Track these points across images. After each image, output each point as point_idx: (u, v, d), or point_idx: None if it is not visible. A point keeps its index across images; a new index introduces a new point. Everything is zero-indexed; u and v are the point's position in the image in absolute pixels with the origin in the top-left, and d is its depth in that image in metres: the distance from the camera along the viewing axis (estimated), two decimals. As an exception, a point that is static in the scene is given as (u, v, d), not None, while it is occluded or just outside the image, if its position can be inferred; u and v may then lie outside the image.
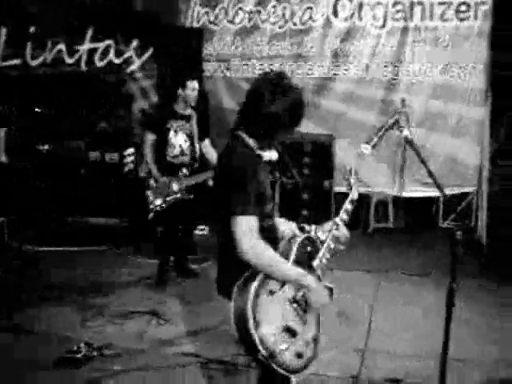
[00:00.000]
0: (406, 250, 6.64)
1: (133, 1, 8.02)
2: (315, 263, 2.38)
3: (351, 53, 7.59)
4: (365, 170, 7.36)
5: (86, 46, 7.57)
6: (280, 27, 7.76)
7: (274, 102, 2.20)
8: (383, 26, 7.50)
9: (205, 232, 7.06)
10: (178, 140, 5.27)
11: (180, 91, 5.23)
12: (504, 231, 6.88)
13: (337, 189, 7.16)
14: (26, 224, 6.71)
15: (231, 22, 7.92)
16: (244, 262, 2.16)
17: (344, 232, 2.50)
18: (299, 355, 2.21)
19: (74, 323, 4.42)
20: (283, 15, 7.74)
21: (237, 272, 2.19)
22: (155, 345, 4.11)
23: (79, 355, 3.79)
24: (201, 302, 4.85)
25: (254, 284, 2.12)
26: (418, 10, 7.40)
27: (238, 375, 3.65)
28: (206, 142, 5.46)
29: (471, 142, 7.43)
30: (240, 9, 7.89)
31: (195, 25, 8.04)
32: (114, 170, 6.96)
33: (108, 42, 7.56)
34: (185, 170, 5.21)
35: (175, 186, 5.18)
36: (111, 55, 7.58)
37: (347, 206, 2.59)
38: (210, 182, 5.12)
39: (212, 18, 7.99)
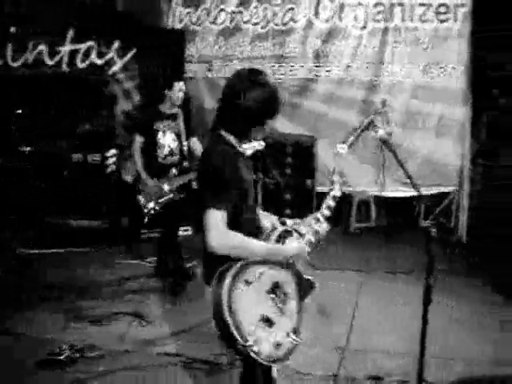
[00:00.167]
0: (388, 249, 6.70)
1: (115, 2, 8.01)
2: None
3: (332, 53, 7.63)
4: (347, 170, 7.41)
5: (68, 47, 7.54)
6: (262, 28, 7.79)
7: (247, 97, 2.26)
8: (364, 26, 7.56)
9: (189, 232, 7.07)
10: (167, 140, 5.27)
11: (167, 92, 5.24)
12: (485, 230, 6.96)
13: (319, 188, 7.23)
14: (8, 226, 6.66)
15: (213, 22, 7.93)
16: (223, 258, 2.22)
17: (324, 227, 2.55)
18: (278, 345, 2.25)
19: (57, 325, 4.41)
20: (265, 16, 7.77)
21: (217, 263, 2.24)
22: (138, 345, 4.12)
23: (62, 357, 3.79)
24: (184, 302, 4.88)
25: (230, 274, 2.16)
26: (398, 11, 7.46)
27: (221, 374, 3.68)
28: (194, 139, 5.47)
29: (452, 141, 7.51)
30: (222, 10, 7.91)
31: (177, 26, 8.05)
32: (97, 171, 6.94)
33: (89, 43, 7.52)
34: (174, 170, 5.20)
35: (166, 187, 5.17)
36: (93, 56, 7.55)
37: (329, 202, 2.63)
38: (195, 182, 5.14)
39: (194, 19, 8.00)
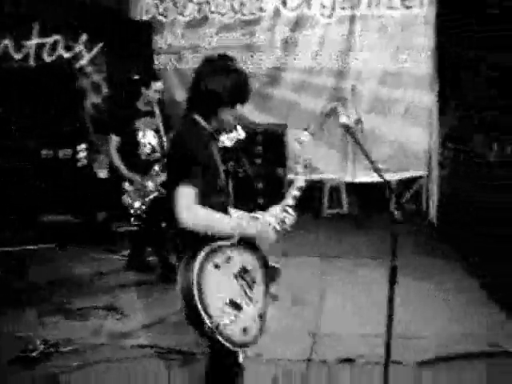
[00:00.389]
0: (359, 235, 6.78)
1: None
2: None
3: (301, 42, 7.67)
4: (317, 157, 7.51)
5: (34, 41, 7.44)
6: (230, 18, 7.78)
7: (216, 80, 2.32)
8: (331, 14, 7.60)
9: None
10: (148, 138, 5.19)
11: (143, 90, 5.16)
12: (454, 213, 7.09)
13: (291, 176, 7.28)
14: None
15: (181, 13, 7.90)
16: (190, 237, 2.26)
17: (290, 217, 2.59)
18: (245, 330, 2.26)
19: (30, 321, 4.39)
20: (232, 6, 7.76)
21: (185, 248, 2.29)
22: (113, 338, 4.12)
23: (35, 353, 3.78)
24: (157, 294, 4.89)
25: (200, 256, 2.18)
26: (364, -3, 7.53)
27: (196, 364, 3.71)
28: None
29: (421, 127, 7.61)
30: (189, 0, 7.88)
31: (145, 17, 8.00)
32: (67, 166, 6.89)
33: (56, 36, 7.44)
34: (157, 167, 5.13)
35: (151, 184, 5.11)
36: (60, 50, 7.47)
37: (294, 192, 2.66)
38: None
39: (162, 10, 7.96)
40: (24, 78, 7.22)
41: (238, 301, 2.27)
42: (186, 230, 2.25)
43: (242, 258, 2.36)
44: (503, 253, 5.45)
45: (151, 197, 5.12)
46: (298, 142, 2.55)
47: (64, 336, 4.07)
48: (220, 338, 2.15)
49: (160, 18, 7.95)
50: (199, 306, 2.11)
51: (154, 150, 5.21)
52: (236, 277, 2.30)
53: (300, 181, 2.69)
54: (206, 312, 2.12)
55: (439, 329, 4.18)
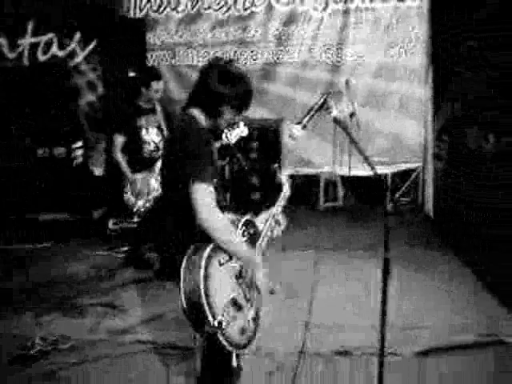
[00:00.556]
0: (354, 227, 6.79)
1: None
2: (256, 247, 2.50)
3: (295, 36, 7.68)
4: (313, 150, 7.54)
5: (28, 39, 7.44)
6: (223, 13, 7.77)
7: (226, 85, 2.36)
8: (325, 8, 7.61)
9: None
10: (151, 136, 5.17)
11: (143, 90, 5.14)
12: (450, 205, 7.10)
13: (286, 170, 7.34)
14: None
15: (174, 9, 7.89)
16: (192, 236, 2.24)
17: (280, 226, 2.62)
18: (243, 331, 2.26)
19: (28, 319, 4.40)
20: (226, 1, 7.75)
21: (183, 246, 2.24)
22: (111, 335, 4.13)
23: (34, 351, 3.79)
24: (154, 290, 4.90)
25: (206, 252, 2.15)
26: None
27: (193, 359, 3.72)
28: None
29: (415, 119, 7.66)
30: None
31: (138, 14, 7.99)
32: (63, 164, 6.90)
33: (50, 35, 7.44)
34: (159, 165, 5.10)
35: (154, 183, 5.11)
36: (54, 48, 7.47)
37: (282, 202, 2.70)
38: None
39: (155, 7, 7.95)
40: (18, 77, 7.23)
41: (239, 300, 2.27)
42: (190, 225, 2.23)
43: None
44: (499, 244, 5.47)
45: (154, 195, 5.11)
46: (290, 136, 2.56)
47: (62, 333, 4.08)
48: (220, 337, 2.13)
49: (153, 14, 7.93)
50: (204, 303, 2.08)
51: (157, 148, 5.19)
52: (237, 276, 2.30)
53: (287, 190, 2.71)
54: (211, 309, 2.09)
55: (435, 320, 4.20)
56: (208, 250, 2.17)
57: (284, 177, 2.74)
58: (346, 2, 7.53)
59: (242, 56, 7.77)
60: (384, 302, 2.49)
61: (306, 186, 7.83)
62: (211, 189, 2.22)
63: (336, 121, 2.54)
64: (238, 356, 2.44)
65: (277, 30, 7.70)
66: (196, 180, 2.20)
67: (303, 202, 7.67)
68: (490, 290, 4.71)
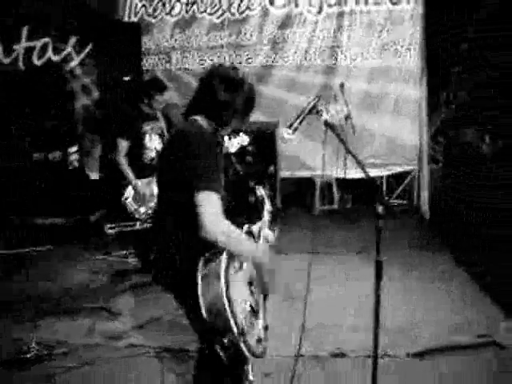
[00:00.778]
0: (350, 230, 6.80)
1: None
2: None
3: (289, 40, 7.70)
4: (308, 154, 7.55)
5: (23, 44, 7.45)
6: (218, 17, 7.79)
7: (233, 93, 2.33)
8: (319, 11, 7.63)
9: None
10: (154, 143, 5.15)
11: (146, 100, 5.10)
12: (446, 207, 7.14)
13: (281, 174, 7.34)
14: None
15: (169, 14, 7.91)
16: (196, 244, 2.18)
17: (271, 238, 2.63)
18: (259, 340, 2.22)
19: (24, 323, 4.40)
20: (220, 5, 7.77)
21: (189, 256, 2.21)
22: (107, 339, 4.14)
23: (29, 355, 3.79)
24: (151, 294, 4.91)
25: (223, 261, 2.10)
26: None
27: (189, 362, 3.73)
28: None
29: (410, 121, 7.67)
30: (177, 0, 7.89)
31: (133, 18, 8.01)
32: (58, 168, 6.91)
33: (45, 39, 7.45)
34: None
35: (156, 189, 5.08)
36: (49, 53, 7.48)
37: (267, 217, 2.69)
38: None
39: (150, 11, 7.96)
40: (14, 81, 7.24)
41: (255, 307, 2.23)
42: (198, 236, 2.14)
43: (249, 265, 2.32)
44: (495, 245, 5.50)
45: (155, 201, 5.09)
46: (281, 139, 2.58)
47: (58, 337, 4.09)
48: (242, 347, 2.07)
49: (148, 18, 7.95)
50: (228, 313, 2.01)
51: (158, 154, 5.18)
52: (249, 284, 2.27)
53: (268, 205, 2.72)
54: (234, 319, 2.03)
55: (431, 321, 4.21)
56: (224, 259, 2.11)
57: (263, 192, 2.75)
58: (340, 5, 7.55)
59: (238, 59, 7.78)
60: (377, 303, 2.51)
61: (301, 189, 7.85)
62: (218, 196, 2.14)
63: (327, 124, 2.55)
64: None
65: (272, 33, 7.72)
66: (204, 188, 2.13)
67: (299, 205, 7.68)
68: (485, 291, 4.73)
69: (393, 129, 7.66)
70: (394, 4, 7.48)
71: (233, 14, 7.76)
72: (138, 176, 5.09)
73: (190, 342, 3.87)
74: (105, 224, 6.65)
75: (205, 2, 7.79)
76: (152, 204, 5.08)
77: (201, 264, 2.14)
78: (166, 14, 7.89)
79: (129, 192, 5.12)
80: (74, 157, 7.18)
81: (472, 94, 7.78)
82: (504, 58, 6.53)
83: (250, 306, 2.20)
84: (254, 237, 2.52)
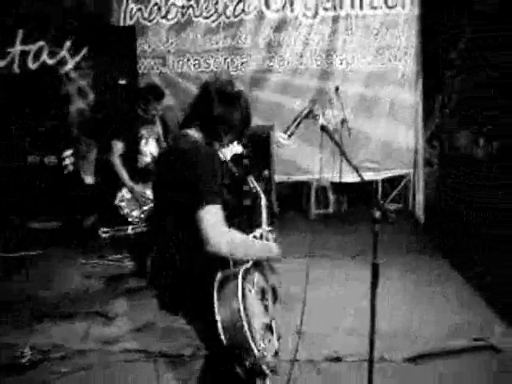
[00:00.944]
0: (345, 234, 6.80)
1: (65, 1, 7.91)
2: None
3: (285, 43, 7.71)
4: (304, 157, 7.55)
5: (18, 48, 7.43)
6: (213, 21, 7.79)
7: (230, 110, 2.33)
8: (315, 15, 7.64)
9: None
10: (150, 148, 5.14)
11: (142, 105, 5.10)
12: (441, 211, 7.15)
13: (276, 177, 7.34)
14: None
15: (165, 17, 7.90)
16: (204, 265, 2.16)
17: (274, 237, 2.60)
18: (276, 353, 2.20)
19: (18, 328, 4.38)
20: (216, 9, 7.77)
21: (199, 279, 2.17)
22: (102, 344, 4.12)
23: (24, 360, 3.78)
24: (146, 298, 4.89)
25: (239, 281, 2.06)
26: (347, -2, 7.59)
27: (185, 366, 3.72)
28: None
29: (406, 125, 7.69)
30: (173, 4, 7.88)
31: (128, 22, 8.00)
32: (53, 172, 6.89)
33: (40, 43, 7.44)
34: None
35: (149, 194, 5.03)
36: (44, 56, 7.46)
37: (264, 211, 2.67)
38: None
39: (145, 15, 7.95)
40: (8, 85, 7.22)
41: (270, 323, 2.21)
42: (206, 252, 2.09)
43: (259, 279, 2.31)
44: (490, 250, 5.51)
45: (149, 207, 5.09)
46: (277, 144, 2.58)
47: (53, 342, 4.07)
48: (264, 366, 2.05)
49: (144, 22, 7.94)
50: (249, 338, 1.99)
51: (154, 160, 5.17)
52: (261, 299, 2.25)
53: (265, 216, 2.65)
54: (255, 341, 2.01)
55: (426, 325, 4.22)
56: (240, 277, 2.08)
57: (256, 184, 2.77)
58: (335, 9, 7.56)
59: (233, 63, 7.79)
60: (373, 307, 2.51)
61: (297, 193, 7.85)
62: (220, 208, 2.11)
63: (323, 128, 2.55)
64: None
65: (267, 36, 7.72)
66: (206, 202, 2.09)
67: (294, 209, 7.68)
68: (480, 295, 4.74)
69: (388, 132, 7.68)
70: (389, 8, 7.50)
71: (228, 18, 7.76)
72: (133, 180, 5.07)
73: (185, 346, 3.89)
74: (99, 228, 6.64)
75: (200, 6, 7.79)
76: (146, 208, 5.07)
77: (216, 285, 2.10)
78: (162, 17, 7.88)
79: (123, 195, 5.10)
80: (69, 160, 7.15)
81: (466, 95, 7.77)
82: (503, 58, 6.54)
83: (265, 323, 2.18)
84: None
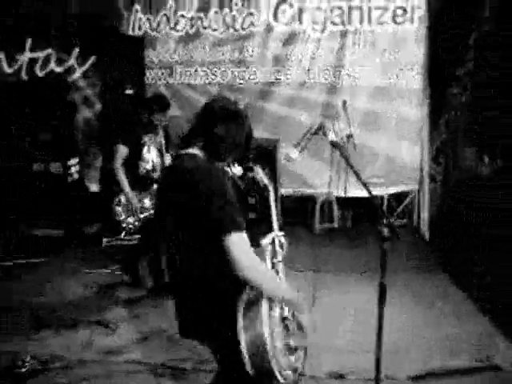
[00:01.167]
0: (350, 249, 6.77)
1: (73, 8, 7.95)
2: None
3: (292, 57, 7.72)
4: (309, 172, 7.54)
5: (26, 55, 7.47)
6: (221, 33, 7.82)
7: (234, 130, 2.29)
8: (323, 30, 7.66)
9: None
10: (151, 155, 5.12)
11: (146, 115, 5.08)
12: (446, 228, 7.11)
13: (283, 191, 7.33)
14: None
15: (173, 28, 7.93)
16: (224, 290, 2.14)
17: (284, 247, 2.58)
18: (295, 370, 2.19)
19: (19, 336, 4.35)
20: (225, 21, 7.80)
21: (218, 304, 2.15)
22: (103, 354, 4.09)
23: (23, 370, 3.74)
24: (148, 308, 4.87)
25: (264, 308, 2.05)
26: (356, 14, 7.59)
27: (187, 379, 3.69)
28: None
29: (411, 141, 7.68)
30: (182, 16, 7.92)
31: (137, 32, 8.03)
32: (58, 180, 6.90)
33: (48, 50, 7.48)
34: (156, 186, 5.03)
35: (148, 202, 5.06)
36: (52, 64, 7.50)
37: (273, 204, 2.68)
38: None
39: (154, 25, 7.98)
40: (16, 92, 7.25)
41: (292, 343, 2.19)
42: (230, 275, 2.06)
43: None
44: (494, 267, 5.47)
45: (146, 214, 5.08)
46: (287, 159, 2.56)
47: (53, 351, 4.04)
48: None
49: (152, 32, 7.97)
50: (274, 366, 1.98)
51: (154, 169, 5.15)
52: (283, 320, 2.22)
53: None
54: (279, 368, 2.00)
55: (430, 344, 4.18)
56: (265, 304, 2.06)
57: (266, 179, 2.78)
58: (344, 24, 7.58)
59: (240, 75, 7.80)
60: (380, 326, 2.48)
61: (301, 207, 7.82)
62: (245, 235, 2.07)
63: (333, 144, 2.55)
64: None
65: (275, 50, 7.74)
66: (232, 229, 2.05)
67: (299, 223, 7.65)
68: (484, 313, 4.70)
69: (394, 148, 7.67)
70: (398, 24, 7.52)
71: (236, 30, 7.79)
72: (132, 187, 5.05)
73: (187, 359, 3.86)
74: (102, 236, 6.64)
75: (209, 18, 7.82)
76: (142, 216, 5.05)
77: (241, 309, 2.08)
78: (170, 28, 7.91)
79: (120, 199, 5.09)
80: (75, 169, 7.16)
81: (471, 115, 7.77)
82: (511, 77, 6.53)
83: (287, 344, 2.17)
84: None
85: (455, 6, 7.13)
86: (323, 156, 7.13)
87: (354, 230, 7.49)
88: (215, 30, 7.83)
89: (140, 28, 7.96)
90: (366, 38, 7.61)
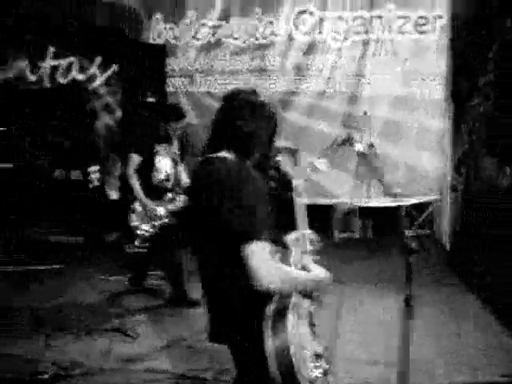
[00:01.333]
0: (371, 259, 6.72)
1: (96, 17, 8.02)
2: None
3: (313, 66, 7.72)
4: (331, 182, 7.50)
5: (48, 62, 7.53)
6: (243, 42, 7.84)
7: (256, 121, 2.13)
8: (345, 39, 7.65)
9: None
10: (165, 165, 5.12)
11: (161, 124, 5.10)
12: (467, 239, 7.02)
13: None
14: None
15: (194, 37, 7.97)
16: (250, 295, 2.00)
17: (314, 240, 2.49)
18: (325, 374, 2.12)
19: (39, 343, 4.36)
20: (246, 30, 7.82)
21: (244, 310, 2.06)
22: (123, 362, 4.08)
23: (46, 376, 3.75)
24: (167, 318, 4.86)
25: (291, 317, 1.97)
26: (377, 23, 7.58)
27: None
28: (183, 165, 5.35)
29: (433, 151, 7.63)
30: (203, 24, 7.95)
31: (158, 40, 8.08)
32: (79, 187, 6.94)
33: (71, 58, 7.54)
34: (170, 195, 5.08)
35: (162, 211, 5.06)
36: (74, 72, 7.56)
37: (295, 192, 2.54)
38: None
39: (176, 34, 8.03)
40: (38, 99, 7.32)
41: (318, 350, 2.12)
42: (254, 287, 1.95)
43: (306, 303, 2.18)
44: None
45: (160, 223, 5.07)
46: (313, 169, 2.53)
47: (74, 359, 4.04)
48: None
49: (173, 41, 8.01)
50: (301, 377, 1.91)
51: (167, 179, 5.14)
52: (309, 326, 2.16)
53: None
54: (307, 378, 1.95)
55: (452, 358, 4.11)
56: (291, 314, 1.98)
57: (287, 167, 2.57)
58: (366, 33, 7.56)
59: (261, 84, 7.80)
60: (406, 341, 2.44)
61: (322, 216, 7.78)
62: (267, 244, 1.95)
63: (360, 155, 2.52)
64: None
65: (295, 59, 7.75)
66: (251, 238, 1.92)
67: (318, 232, 7.60)
68: (507, 327, 4.62)
69: (415, 158, 7.62)
70: (420, 33, 7.48)
71: (257, 39, 7.80)
72: (146, 196, 5.02)
73: (208, 368, 3.83)
74: (122, 244, 6.65)
75: (230, 27, 7.84)
76: (155, 224, 5.05)
77: (269, 320, 1.99)
78: (192, 37, 7.95)
79: (134, 206, 5.09)
80: (95, 176, 7.20)
81: (492, 125, 7.70)
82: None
83: (315, 352, 2.10)
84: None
85: (477, 15, 7.08)
86: (346, 166, 7.09)
87: (376, 240, 7.44)
88: (236, 38, 7.85)
89: (161, 36, 8.01)
90: (386, 47, 7.59)
